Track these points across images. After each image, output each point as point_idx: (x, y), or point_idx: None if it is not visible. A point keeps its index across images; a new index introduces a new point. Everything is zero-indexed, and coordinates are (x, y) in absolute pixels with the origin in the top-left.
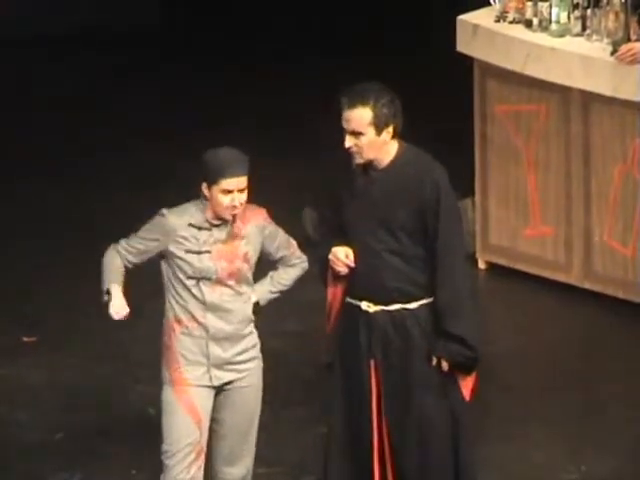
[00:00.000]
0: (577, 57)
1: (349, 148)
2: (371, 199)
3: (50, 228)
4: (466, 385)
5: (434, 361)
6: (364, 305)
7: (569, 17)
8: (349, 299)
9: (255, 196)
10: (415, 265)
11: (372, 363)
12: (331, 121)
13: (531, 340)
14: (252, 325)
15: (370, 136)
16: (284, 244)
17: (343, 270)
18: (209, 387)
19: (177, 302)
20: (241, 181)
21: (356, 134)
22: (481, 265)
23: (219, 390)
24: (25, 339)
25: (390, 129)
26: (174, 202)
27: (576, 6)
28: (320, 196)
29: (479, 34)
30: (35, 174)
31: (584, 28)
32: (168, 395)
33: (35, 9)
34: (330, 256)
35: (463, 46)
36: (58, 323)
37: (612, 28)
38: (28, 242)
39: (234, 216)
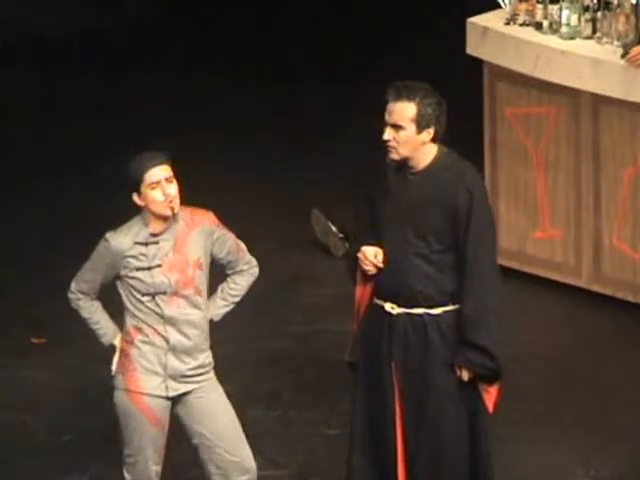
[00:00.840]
0: (587, 60)
1: (386, 141)
2: (404, 201)
3: (59, 229)
4: (489, 397)
5: (456, 371)
6: (388, 306)
7: (579, 20)
8: (375, 299)
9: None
10: (442, 271)
11: (393, 365)
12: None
13: (540, 343)
14: (208, 342)
15: (410, 132)
16: (233, 249)
17: (371, 270)
18: (165, 398)
19: (135, 315)
20: (164, 169)
21: (396, 127)
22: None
23: (176, 401)
24: (34, 341)
25: (431, 130)
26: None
27: (586, 9)
28: (359, 193)
29: (489, 36)
30: (46, 174)
31: (594, 31)
32: (124, 401)
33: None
34: (359, 254)
35: (473, 48)
36: (66, 325)
37: (622, 31)
38: (36, 242)
39: (173, 210)
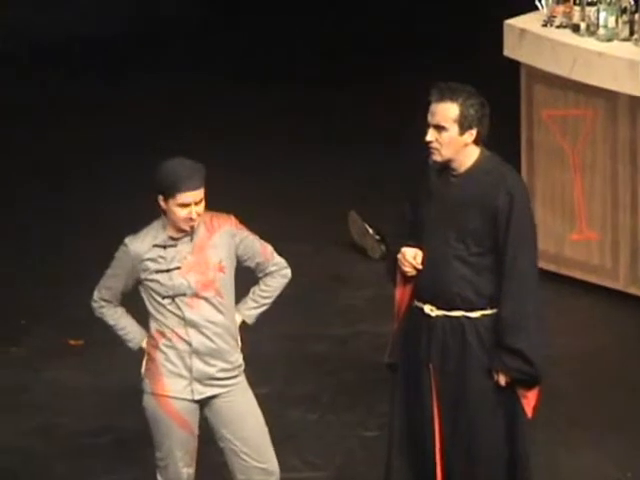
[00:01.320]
0: (624, 62)
1: (429, 143)
2: (446, 203)
3: (100, 232)
4: (527, 402)
5: (494, 375)
6: (427, 308)
7: (617, 21)
8: (415, 301)
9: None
10: (481, 274)
11: (431, 367)
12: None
13: (576, 345)
14: (238, 344)
15: (452, 133)
16: (259, 250)
17: (410, 271)
18: (191, 401)
19: (157, 319)
20: (197, 194)
21: (439, 128)
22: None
23: (204, 404)
24: (71, 342)
25: (474, 132)
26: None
27: (624, 10)
28: (404, 193)
29: (526, 38)
30: (80, 178)
31: (632, 32)
32: (152, 405)
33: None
34: (399, 256)
35: (510, 50)
36: (104, 326)
37: None
38: (74, 244)
39: (192, 227)
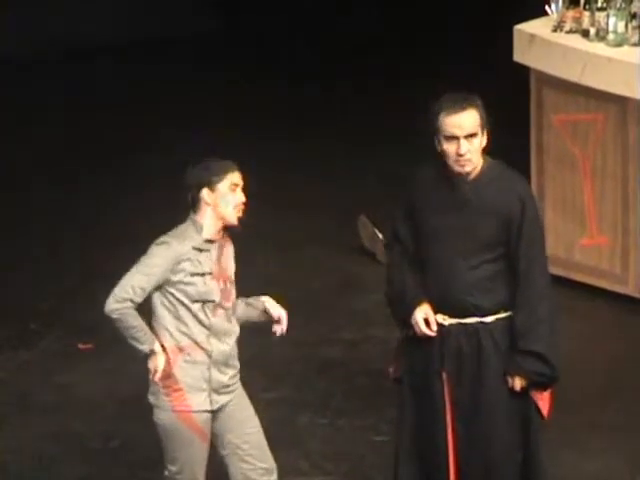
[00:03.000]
0: (634, 66)
1: (462, 155)
2: (457, 211)
3: (105, 237)
4: (543, 403)
5: (509, 381)
6: (440, 318)
7: (627, 27)
8: None
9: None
10: (495, 280)
11: (444, 375)
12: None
13: (586, 349)
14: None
15: (480, 138)
16: None
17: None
18: (209, 412)
19: (178, 329)
20: (240, 177)
21: (471, 137)
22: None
23: (214, 414)
24: (80, 346)
25: (485, 134)
26: None
27: (634, 16)
28: (397, 212)
29: (536, 44)
30: (98, 180)
31: None
32: (171, 421)
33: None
34: (412, 321)
35: (520, 56)
36: (114, 330)
37: None
38: (82, 250)
39: (239, 220)
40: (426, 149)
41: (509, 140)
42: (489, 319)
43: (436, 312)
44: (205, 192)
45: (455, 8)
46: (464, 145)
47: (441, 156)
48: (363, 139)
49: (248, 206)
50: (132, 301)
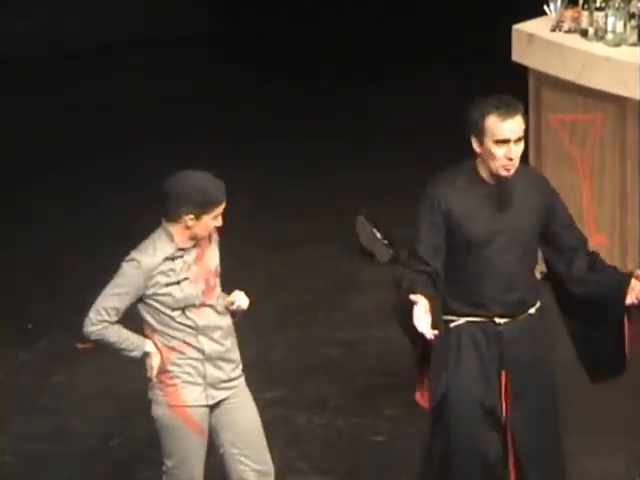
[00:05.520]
0: (633, 66)
1: (512, 159)
2: (501, 213)
3: (100, 240)
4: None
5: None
6: (497, 320)
7: (625, 26)
8: (473, 318)
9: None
10: (532, 272)
11: (503, 375)
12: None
13: None
14: (236, 344)
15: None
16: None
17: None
18: (205, 406)
19: (166, 333)
20: (221, 209)
21: (518, 141)
22: (537, 275)
23: (212, 409)
24: (79, 346)
25: None
26: None
27: (632, 16)
28: (419, 232)
29: (534, 43)
30: (100, 184)
31: None
32: (167, 416)
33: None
34: (422, 331)
35: (518, 55)
36: None
37: None
38: (82, 250)
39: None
40: (425, 150)
41: None
42: (532, 310)
43: (492, 315)
44: (188, 218)
45: (454, 8)
46: (514, 149)
47: (474, 158)
48: (362, 139)
49: (248, 206)
50: (107, 321)
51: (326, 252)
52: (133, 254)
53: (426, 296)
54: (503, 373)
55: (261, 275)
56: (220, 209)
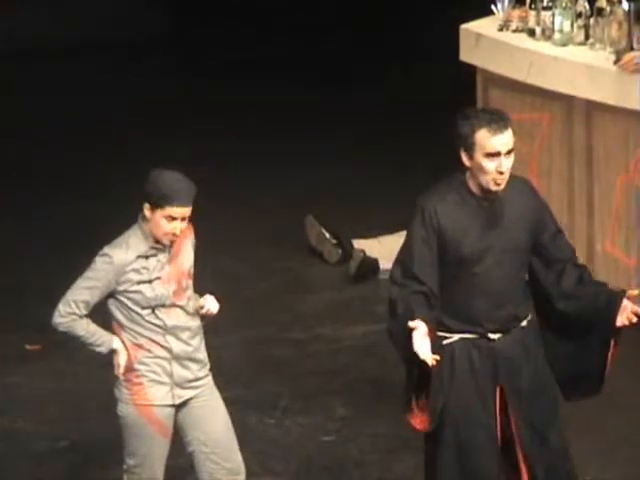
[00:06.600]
0: (580, 66)
1: (503, 172)
2: (495, 228)
3: (59, 237)
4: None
5: (620, 320)
6: (491, 335)
7: (572, 26)
8: (466, 335)
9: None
10: (525, 285)
11: (498, 390)
12: None
13: None
14: (204, 344)
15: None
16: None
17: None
18: (171, 406)
19: (134, 330)
20: (186, 211)
21: (509, 154)
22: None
23: (178, 408)
24: (27, 347)
25: None
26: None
27: (579, 15)
28: (407, 250)
29: (482, 43)
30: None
31: (587, 37)
32: (132, 414)
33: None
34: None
35: (466, 55)
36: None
37: (615, 37)
38: (34, 250)
39: (171, 242)
40: (376, 150)
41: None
42: (524, 322)
43: (485, 331)
44: (146, 206)
45: (398, 7)
46: (504, 163)
47: (464, 172)
48: (314, 138)
49: (200, 205)
50: (76, 314)
51: (276, 252)
52: (106, 249)
53: (424, 320)
54: (498, 388)
55: (212, 275)
56: (175, 211)
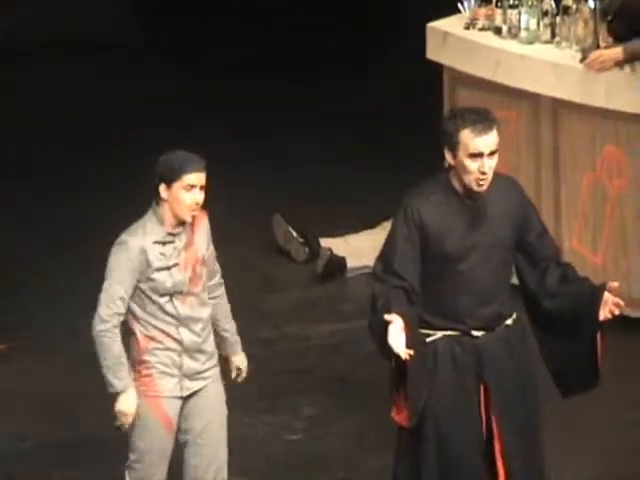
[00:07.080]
0: (547, 64)
1: (485, 173)
2: (478, 226)
3: (31, 233)
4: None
5: (602, 314)
6: (474, 333)
7: (539, 24)
8: (450, 332)
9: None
10: (508, 284)
11: (482, 388)
12: None
13: None
14: (212, 334)
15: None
16: (213, 254)
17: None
18: (179, 398)
19: (147, 321)
20: (202, 177)
21: (492, 154)
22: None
23: (184, 399)
24: None
25: None
26: None
27: (545, 13)
28: (390, 247)
29: (449, 41)
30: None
31: (553, 35)
32: (140, 408)
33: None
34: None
35: (433, 53)
36: (27, 332)
37: (581, 35)
38: (29, 253)
39: (193, 217)
40: (345, 149)
41: (425, 140)
42: (509, 321)
43: (468, 329)
44: (162, 187)
45: (398, 8)
46: (487, 163)
47: (448, 172)
48: (282, 139)
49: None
50: (118, 314)
51: (243, 251)
52: (123, 236)
53: (401, 314)
54: (482, 386)
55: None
56: (192, 178)
